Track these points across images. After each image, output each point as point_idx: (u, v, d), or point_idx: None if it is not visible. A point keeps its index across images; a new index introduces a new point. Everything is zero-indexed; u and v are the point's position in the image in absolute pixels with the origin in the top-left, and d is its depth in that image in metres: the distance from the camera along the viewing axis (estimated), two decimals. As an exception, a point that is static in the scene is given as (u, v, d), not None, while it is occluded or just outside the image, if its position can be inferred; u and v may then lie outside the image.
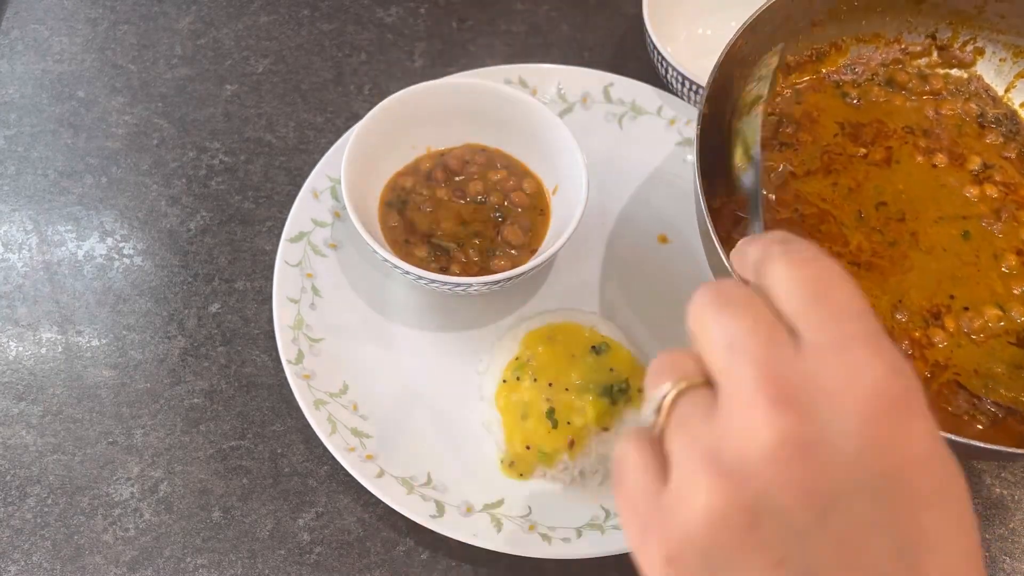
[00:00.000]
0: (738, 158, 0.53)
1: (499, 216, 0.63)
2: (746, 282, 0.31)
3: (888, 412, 0.25)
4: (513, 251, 0.62)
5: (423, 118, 0.63)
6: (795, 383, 0.26)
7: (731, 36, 0.52)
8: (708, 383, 0.28)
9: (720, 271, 0.48)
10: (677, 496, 0.27)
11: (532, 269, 0.57)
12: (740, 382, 0.26)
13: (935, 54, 0.60)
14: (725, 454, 0.26)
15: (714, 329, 0.28)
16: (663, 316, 0.64)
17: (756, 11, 0.51)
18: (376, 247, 0.56)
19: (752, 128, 0.52)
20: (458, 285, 0.57)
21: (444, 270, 0.60)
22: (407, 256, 0.60)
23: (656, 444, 0.29)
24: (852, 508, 0.25)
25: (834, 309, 0.27)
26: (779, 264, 0.28)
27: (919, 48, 0.59)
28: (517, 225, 0.62)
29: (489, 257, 0.61)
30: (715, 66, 0.51)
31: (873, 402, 0.25)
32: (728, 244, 0.49)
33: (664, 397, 0.28)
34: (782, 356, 0.26)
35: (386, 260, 0.57)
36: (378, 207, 0.63)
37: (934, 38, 0.59)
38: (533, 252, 0.61)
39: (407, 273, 0.57)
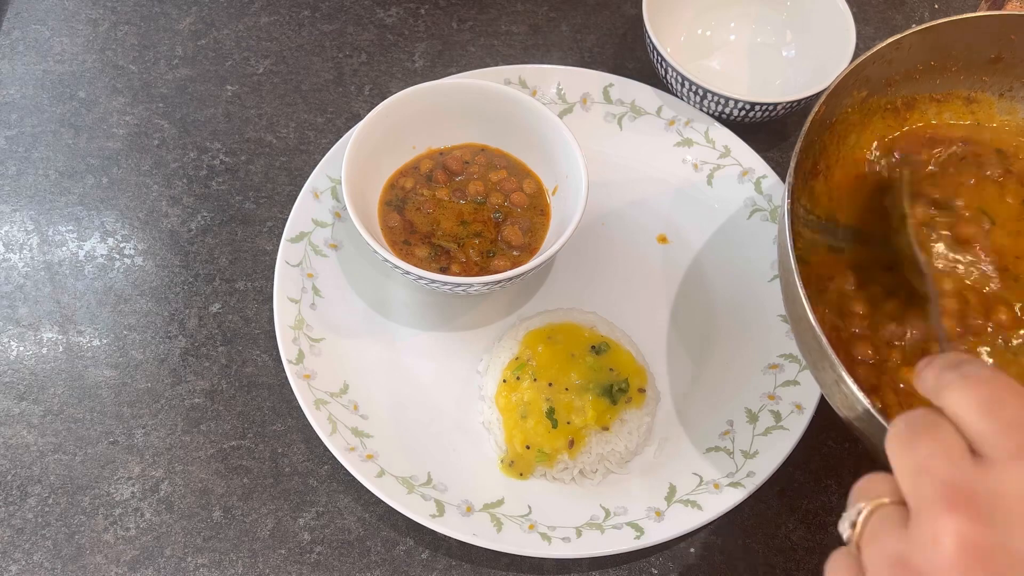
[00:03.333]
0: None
1: (499, 216, 0.63)
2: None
3: None
4: (513, 251, 0.62)
5: (423, 118, 0.64)
6: (974, 493, 0.28)
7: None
8: (901, 503, 0.31)
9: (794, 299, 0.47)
10: None
11: (532, 269, 0.57)
12: (925, 497, 0.29)
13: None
14: (912, 562, 0.29)
15: (904, 457, 0.31)
16: (663, 316, 0.64)
17: (838, 76, 0.51)
18: (376, 247, 0.56)
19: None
20: (458, 285, 0.57)
21: (444, 270, 0.60)
22: (407, 256, 0.60)
23: (855, 557, 0.32)
24: None
25: (1008, 421, 0.29)
26: (955, 390, 0.31)
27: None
28: (517, 225, 0.63)
29: (489, 257, 0.61)
30: (801, 137, 0.50)
31: None
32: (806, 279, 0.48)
33: (860, 514, 0.32)
34: (961, 470, 0.29)
35: (386, 260, 0.57)
36: (378, 207, 0.63)
37: (1006, 96, 0.59)
38: (533, 252, 0.62)
39: (407, 273, 0.57)
